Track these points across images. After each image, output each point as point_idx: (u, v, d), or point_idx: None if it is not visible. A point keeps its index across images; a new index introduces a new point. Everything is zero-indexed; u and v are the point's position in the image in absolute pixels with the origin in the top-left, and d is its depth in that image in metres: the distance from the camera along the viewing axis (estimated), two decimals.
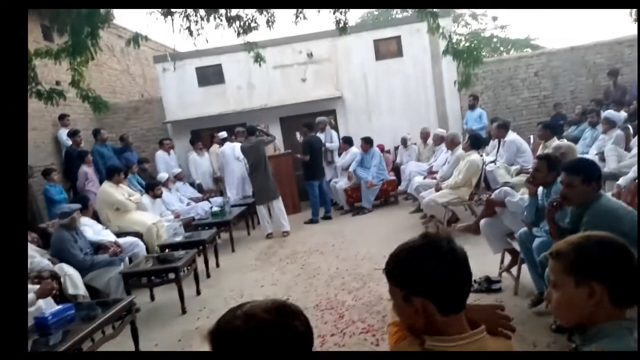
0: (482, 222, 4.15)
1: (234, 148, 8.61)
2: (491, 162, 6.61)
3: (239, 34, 5.17)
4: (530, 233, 3.48)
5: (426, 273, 1.14)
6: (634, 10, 6.93)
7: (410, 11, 18.60)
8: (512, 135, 6.82)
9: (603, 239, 1.24)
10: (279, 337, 0.90)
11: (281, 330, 0.92)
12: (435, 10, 4.76)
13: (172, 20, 4.62)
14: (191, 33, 4.93)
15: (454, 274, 1.16)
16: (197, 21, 4.83)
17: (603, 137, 6.43)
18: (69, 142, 7.90)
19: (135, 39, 4.47)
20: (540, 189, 3.48)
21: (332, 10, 5.06)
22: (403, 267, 1.17)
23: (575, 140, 7.37)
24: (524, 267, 3.73)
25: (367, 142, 8.40)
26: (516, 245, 3.78)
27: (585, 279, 1.19)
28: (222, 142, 8.98)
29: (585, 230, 2.64)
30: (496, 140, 7.12)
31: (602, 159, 5.91)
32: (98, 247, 5.22)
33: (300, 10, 5.08)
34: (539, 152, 5.89)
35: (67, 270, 4.52)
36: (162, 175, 8.06)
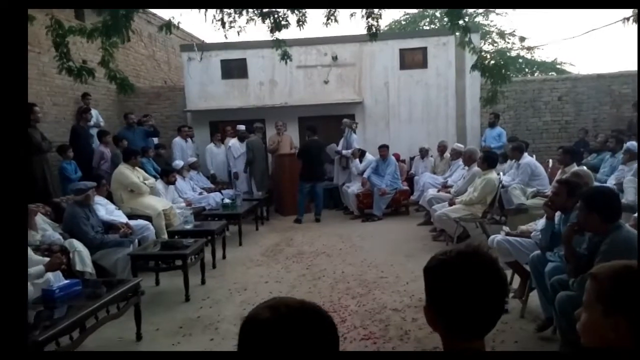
0: (501, 238, 4.07)
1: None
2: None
3: (271, 31, 5.18)
4: (543, 257, 3.44)
5: (445, 286, 1.09)
6: None
7: (437, 24, 18.61)
8: (527, 158, 6.78)
9: None
10: (302, 332, 0.90)
11: (305, 327, 0.90)
12: (467, 24, 4.74)
13: (206, 10, 4.64)
14: (224, 25, 4.95)
15: (473, 296, 1.05)
16: (230, 13, 4.86)
17: (622, 167, 6.35)
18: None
19: (168, 26, 4.50)
20: (557, 213, 3.45)
21: (364, 16, 5.07)
22: (428, 271, 1.14)
23: (595, 168, 7.30)
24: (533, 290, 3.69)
25: (386, 149, 8.43)
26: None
27: (613, 311, 1.16)
28: (243, 135, 9.03)
29: (602, 259, 2.63)
30: (514, 160, 7.08)
31: (621, 190, 5.84)
32: (109, 227, 5.27)
33: (332, 12, 5.08)
34: (558, 176, 5.84)
35: (77, 247, 4.55)
36: (178, 163, 8.12)
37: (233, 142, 9.02)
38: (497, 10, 18.37)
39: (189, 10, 4.81)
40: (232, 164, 9.03)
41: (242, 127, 9.08)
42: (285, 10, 4.99)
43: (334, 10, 5.05)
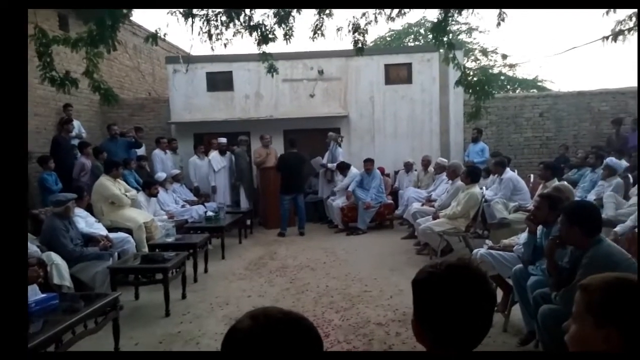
0: (485, 252, 4.09)
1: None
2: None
3: (259, 43, 5.20)
4: (525, 270, 3.46)
5: (433, 299, 1.08)
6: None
7: (422, 40, 18.90)
8: (509, 173, 6.87)
9: (634, 286, 1.18)
10: (282, 341, 0.88)
11: (285, 336, 0.89)
12: (451, 41, 4.82)
13: (193, 22, 4.64)
14: (210, 37, 4.94)
15: (462, 309, 1.05)
16: (217, 26, 4.86)
17: (602, 183, 6.48)
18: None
19: (154, 37, 4.48)
20: (539, 227, 3.48)
21: (350, 30, 5.12)
22: (416, 284, 1.13)
23: (575, 183, 7.44)
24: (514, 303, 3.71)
25: (371, 163, 8.46)
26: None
27: (604, 323, 1.16)
28: (224, 148, 9.09)
29: (584, 272, 2.66)
30: (496, 175, 7.16)
31: (600, 205, 5.94)
32: (88, 240, 5.16)
33: (319, 26, 5.12)
34: (539, 191, 5.92)
35: (55, 260, 4.44)
36: (160, 175, 8.03)
37: (214, 155, 9.00)
38: (480, 28, 18.80)
39: (175, 21, 4.82)
40: (211, 177, 9.00)
41: (223, 140, 9.07)
42: (273, 24, 5.02)
43: (320, 24, 5.09)
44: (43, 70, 4.20)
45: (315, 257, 6.55)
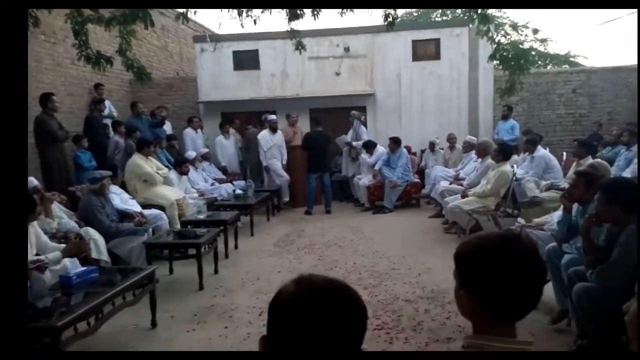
0: (517, 229, 4.06)
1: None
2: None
3: (289, 19, 5.18)
4: (559, 249, 3.41)
5: (483, 271, 1.08)
6: None
7: (449, 15, 18.41)
8: (541, 151, 6.72)
9: None
10: (327, 304, 0.91)
11: (330, 300, 0.92)
12: (486, 13, 4.68)
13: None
14: (240, 13, 4.93)
15: (514, 281, 1.06)
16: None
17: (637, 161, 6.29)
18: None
19: (185, 15, 4.51)
20: (575, 205, 3.42)
21: None
22: (464, 256, 1.14)
23: (609, 161, 7.22)
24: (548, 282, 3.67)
25: (395, 142, 8.37)
26: None
27: None
28: (274, 125, 8.71)
29: (621, 250, 2.62)
30: (527, 153, 7.02)
31: None
32: (124, 216, 5.31)
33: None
34: (572, 169, 5.79)
35: (93, 235, 4.60)
36: (191, 154, 8.14)
37: (263, 133, 8.59)
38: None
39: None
40: (262, 156, 8.58)
41: (272, 117, 8.71)
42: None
43: None
44: (79, 49, 4.28)
45: (343, 235, 6.60)
